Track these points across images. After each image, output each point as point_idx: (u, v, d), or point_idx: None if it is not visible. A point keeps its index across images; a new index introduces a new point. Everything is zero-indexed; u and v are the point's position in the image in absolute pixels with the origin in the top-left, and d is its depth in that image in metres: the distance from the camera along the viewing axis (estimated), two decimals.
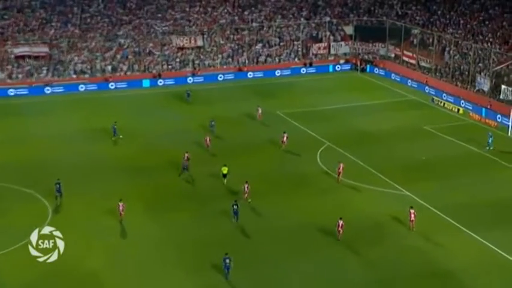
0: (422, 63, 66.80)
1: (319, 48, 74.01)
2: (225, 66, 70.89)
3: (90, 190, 39.75)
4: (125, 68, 68.24)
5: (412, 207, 35.14)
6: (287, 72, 70.99)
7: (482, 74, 58.87)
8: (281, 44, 74.20)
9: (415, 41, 69.14)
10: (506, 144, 48.31)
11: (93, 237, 34.09)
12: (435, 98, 59.94)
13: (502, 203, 37.84)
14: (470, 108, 56.22)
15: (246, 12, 77.06)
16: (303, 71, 71.76)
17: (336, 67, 72.89)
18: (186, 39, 70.64)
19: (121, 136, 48.89)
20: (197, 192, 40.09)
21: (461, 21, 67.85)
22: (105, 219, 35.83)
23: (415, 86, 64.38)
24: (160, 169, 43.03)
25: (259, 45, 73.58)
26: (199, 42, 71.15)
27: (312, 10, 78.31)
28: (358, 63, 72.00)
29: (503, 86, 55.04)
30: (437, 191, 39.51)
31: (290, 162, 44.85)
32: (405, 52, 69.66)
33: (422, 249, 32.90)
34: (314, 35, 75.39)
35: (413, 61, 68.20)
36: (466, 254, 32.52)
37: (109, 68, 67.56)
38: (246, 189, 37.98)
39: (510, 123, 50.70)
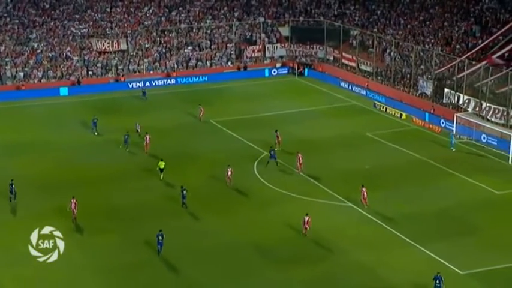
0: (363, 66, 68.17)
1: (254, 51, 74.37)
2: (151, 72, 70.11)
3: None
4: (39, 74, 66.39)
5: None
6: (220, 77, 70.89)
7: (424, 76, 60.62)
8: (212, 46, 74.13)
9: (354, 42, 70.53)
10: (450, 150, 49.79)
11: (3, 265, 32.65)
12: (377, 102, 61.24)
13: (447, 212, 38.85)
14: (413, 112, 57.71)
15: (173, 13, 76.58)
16: (237, 75, 71.83)
17: (272, 71, 73.41)
18: (108, 43, 69.46)
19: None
20: (125, 210, 39.31)
21: (402, 22, 69.74)
22: (18, 244, 34.39)
23: (356, 90, 65.60)
24: (80, 186, 41.91)
25: (189, 48, 73.23)
26: (123, 46, 70.08)
27: (244, 10, 78.68)
28: (296, 67, 72.75)
29: (446, 90, 56.80)
30: (381, 202, 40.17)
31: (225, 174, 44.61)
32: (344, 54, 70.91)
33: (367, 265, 33.28)
34: (248, 36, 75.73)
35: (353, 64, 69.50)
36: (414, 268, 33.11)
37: (21, 74, 65.55)
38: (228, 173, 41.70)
39: (454, 128, 52.31)
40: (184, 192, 39.00)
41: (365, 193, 39.16)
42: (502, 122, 50.65)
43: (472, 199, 40.38)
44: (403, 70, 63.81)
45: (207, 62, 72.65)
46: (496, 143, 49.83)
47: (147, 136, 48.47)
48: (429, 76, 59.99)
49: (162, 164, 43.15)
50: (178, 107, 60.68)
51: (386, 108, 59.83)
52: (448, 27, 64.67)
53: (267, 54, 74.87)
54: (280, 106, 60.71)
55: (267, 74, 73.04)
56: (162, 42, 72.90)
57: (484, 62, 54.08)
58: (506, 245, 35.15)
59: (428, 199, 40.73)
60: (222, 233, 36.64)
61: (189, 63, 72.14)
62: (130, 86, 67.20)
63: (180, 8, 77.37)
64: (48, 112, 59.59)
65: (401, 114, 58.14)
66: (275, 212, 39.21)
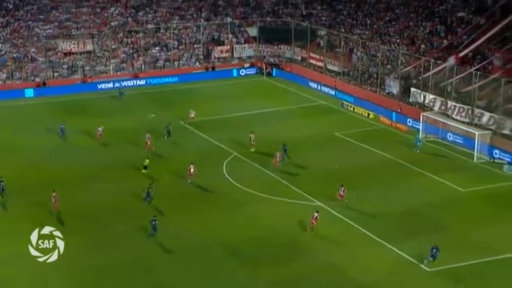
0: (330, 66, 68.72)
1: (222, 52, 74.40)
2: (119, 73, 69.65)
3: None
4: (3, 76, 65.44)
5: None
6: (188, 77, 70.75)
7: (391, 76, 61.38)
8: (180, 47, 73.94)
9: (321, 42, 71.07)
10: (402, 150, 50.37)
11: None
12: (345, 102, 61.81)
13: (415, 210, 39.42)
14: (381, 112, 58.40)
15: (140, 13, 76.18)
16: (205, 76, 71.79)
17: (241, 71, 73.53)
18: (74, 43, 68.79)
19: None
20: (92, 211, 39.06)
21: (368, 22, 70.49)
22: None
23: (324, 90, 66.10)
24: (44, 188, 41.39)
25: (156, 48, 72.93)
26: (89, 47, 69.48)
27: (212, 10, 78.66)
28: (264, 67, 73.01)
29: (412, 89, 57.60)
30: (351, 201, 40.59)
31: (195, 175, 44.60)
32: (312, 54, 71.40)
33: (337, 265, 33.62)
34: (215, 37, 75.73)
35: (320, 64, 70.02)
36: (383, 266, 33.55)
37: None
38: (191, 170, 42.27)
39: (421, 127, 53.10)
40: (150, 190, 39.10)
41: (342, 192, 39.57)
42: (467, 120, 51.58)
43: (439, 197, 41.01)
44: (370, 70, 64.53)
45: (175, 62, 72.43)
46: (461, 142, 50.71)
47: (148, 136, 49.12)
48: (396, 76, 60.79)
49: (146, 162, 44.56)
50: (147, 108, 60.39)
51: (354, 108, 60.43)
52: (413, 27, 65.57)
53: (235, 55, 74.96)
54: (248, 106, 60.86)
55: (235, 74, 73.12)
56: (129, 42, 72.47)
57: (452, 58, 54.75)
58: (472, 242, 35.84)
59: (396, 198, 41.30)
60: (192, 233, 36.63)
61: (157, 64, 71.84)
62: (100, 87, 66.69)
63: (147, 9, 76.99)
64: (13, 114, 58.83)
65: (368, 114, 58.79)
66: (245, 212, 39.36)
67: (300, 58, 73.37)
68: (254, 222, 38.02)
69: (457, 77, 53.77)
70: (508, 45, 55.18)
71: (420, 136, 50.86)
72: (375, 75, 63.25)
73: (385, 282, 32.09)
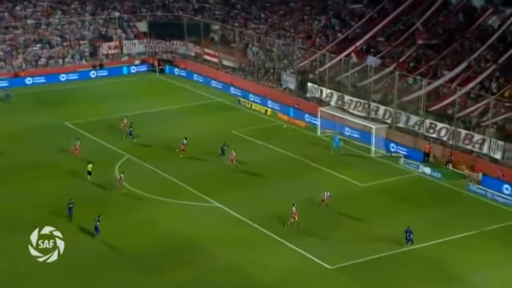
0: (226, 62, 69.15)
1: (110, 48, 73.10)
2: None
3: None
4: None
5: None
6: (74, 76, 69.16)
7: (287, 71, 62.60)
8: (64, 43, 72.01)
9: (215, 37, 71.36)
10: (316, 144, 51.87)
11: None
12: (241, 99, 62.41)
13: (312, 207, 40.41)
14: (278, 108, 59.45)
15: (17, 8, 73.58)
16: (93, 74, 70.35)
17: (131, 68, 72.58)
18: None
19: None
20: None
21: (263, 16, 71.53)
22: None
23: (220, 86, 66.44)
24: None
25: (38, 45, 70.68)
26: None
27: (97, 5, 77.16)
28: (156, 64, 72.39)
29: (309, 84, 59.05)
30: (249, 201, 41.11)
31: (85, 180, 43.67)
32: (206, 50, 71.55)
33: (237, 266, 33.93)
34: (103, 32, 74.33)
35: (215, 60, 70.31)
36: (284, 265, 34.20)
37: None
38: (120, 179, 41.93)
39: (318, 123, 54.50)
40: (70, 206, 37.89)
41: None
42: (364, 114, 53.49)
43: (337, 193, 42.18)
44: (266, 65, 65.50)
45: (59, 60, 70.43)
46: (358, 136, 52.53)
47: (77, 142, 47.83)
48: (292, 71, 62.04)
49: (89, 167, 43.46)
50: (30, 110, 58.41)
51: (251, 105, 61.15)
52: (308, 21, 67.19)
53: (125, 51, 73.89)
54: (141, 105, 60.13)
55: (125, 71, 72.11)
56: (7, 39, 69.75)
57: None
58: (372, 237, 37.18)
59: (295, 195, 42.03)
60: (86, 241, 35.82)
61: (39, 62, 69.59)
62: None
63: (26, 3, 74.43)
64: None
65: (266, 110, 59.67)
66: (140, 216, 38.94)
67: (193, 54, 73.32)
68: (151, 226, 37.70)
69: (353, 70, 55.65)
70: (400, 39, 57.81)
71: (337, 138, 51.29)
72: (272, 70, 64.26)
73: (288, 281, 32.73)
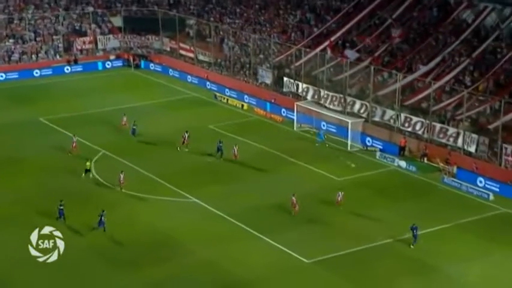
0: (201, 57, 69.01)
1: (84, 43, 72.53)
2: None
3: None
4: None
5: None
6: (48, 71, 68.52)
7: (263, 66, 62.65)
8: (38, 39, 71.28)
9: (191, 32, 71.16)
10: (292, 138, 52.01)
11: None
12: (218, 94, 62.34)
13: (289, 201, 40.45)
14: (255, 103, 59.49)
15: None
16: (67, 69, 69.81)
17: (106, 64, 72.10)
18: None
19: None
20: None
21: (238, 10, 71.45)
22: None
23: (196, 81, 66.28)
24: None
25: (11, 41, 69.86)
26: None
27: None
28: (131, 59, 72.00)
29: (285, 78, 59.18)
30: (227, 196, 41.15)
31: (60, 176, 43.35)
32: (182, 45, 71.33)
33: (215, 261, 33.97)
34: (77, 27, 73.73)
35: (191, 55, 70.12)
36: (261, 260, 34.29)
37: None
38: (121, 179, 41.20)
39: (295, 117, 54.66)
40: (61, 207, 37.20)
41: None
42: (340, 109, 53.76)
43: (314, 187, 42.42)
44: (242, 60, 65.49)
45: (33, 55, 69.71)
46: (335, 130, 52.77)
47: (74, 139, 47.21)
48: (268, 65, 62.11)
49: (88, 165, 43.14)
50: (3, 107, 57.90)
51: (227, 100, 61.10)
52: (283, 16, 67.27)
53: (99, 46, 73.36)
54: (116, 101, 59.82)
55: (100, 67, 71.60)
56: None
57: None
58: (349, 230, 37.46)
59: (272, 190, 42.27)
60: (64, 240, 35.54)
61: (12, 58, 68.83)
62: None
63: None
64: None
65: (242, 105, 59.69)
66: (117, 213, 38.73)
67: (169, 49, 73.03)
68: (129, 222, 37.58)
69: (328, 65, 55.88)
70: (375, 33, 58.16)
71: (322, 132, 51.49)
72: (247, 65, 64.26)
73: (265, 276, 32.84)
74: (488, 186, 42.73)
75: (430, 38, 54.99)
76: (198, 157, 47.40)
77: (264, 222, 37.88)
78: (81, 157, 45.90)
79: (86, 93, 62.80)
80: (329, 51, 57.13)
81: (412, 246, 35.14)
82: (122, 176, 41.47)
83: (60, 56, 71.07)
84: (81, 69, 70.25)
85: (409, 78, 51.41)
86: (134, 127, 50.56)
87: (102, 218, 35.99)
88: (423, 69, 51.94)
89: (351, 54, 56.17)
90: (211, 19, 70.99)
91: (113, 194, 41.36)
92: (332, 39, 58.87)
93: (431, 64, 52.06)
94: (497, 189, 42.39)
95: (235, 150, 46.54)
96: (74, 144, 47.13)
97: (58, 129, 52.51)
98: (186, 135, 48.57)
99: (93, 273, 32.84)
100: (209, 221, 38.36)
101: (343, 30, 60.00)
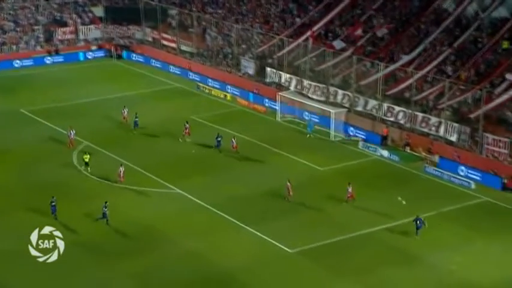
0: (184, 47, 68.67)
1: (65, 33, 71.93)
2: None
3: None
4: None
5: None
6: (29, 62, 68.03)
7: (246, 56, 62.47)
8: (18, 29, 70.51)
9: (173, 22, 70.74)
10: (275, 129, 51.99)
11: None
12: (200, 84, 62.11)
13: (275, 192, 40.51)
14: (238, 93, 59.35)
15: None
16: (48, 60, 69.21)
17: (88, 54, 71.60)
18: None
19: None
20: None
21: (220, 0, 71.07)
22: None
23: (178, 72, 65.99)
24: None
25: None
26: None
27: None
28: (113, 49, 71.50)
29: (268, 69, 59.07)
30: (210, 186, 41.09)
31: (42, 168, 43.03)
32: (164, 35, 70.95)
33: (199, 252, 33.94)
34: (57, 18, 73.07)
35: (173, 45, 69.75)
36: (245, 250, 34.34)
37: None
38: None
39: (278, 108, 54.59)
40: (53, 204, 36.48)
41: (350, 190, 38.65)
42: (323, 99, 53.79)
43: (298, 177, 42.41)
44: (225, 50, 65.24)
45: (13, 46, 68.98)
46: (318, 120, 52.80)
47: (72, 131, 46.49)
48: (251, 55, 61.93)
49: (86, 158, 42.53)
50: None
51: (210, 90, 60.89)
52: (265, 6, 67.04)
53: (81, 37, 72.78)
54: (98, 91, 59.45)
55: (81, 57, 71.13)
56: None
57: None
58: (331, 220, 37.59)
59: (256, 180, 42.28)
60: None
61: None
62: None
63: None
64: None
65: (225, 95, 59.52)
66: (100, 204, 38.46)
67: (151, 39, 72.59)
68: (112, 213, 37.29)
69: (311, 55, 55.84)
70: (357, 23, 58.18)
71: (312, 123, 51.42)
72: (230, 55, 64.04)
73: (248, 266, 32.86)
74: (470, 175, 43.04)
75: (411, 27, 55.10)
76: (182, 148, 47.22)
77: (247, 213, 37.89)
78: (66, 149, 45.65)
79: (68, 84, 62.36)
80: (310, 42, 57.03)
81: (417, 237, 35.05)
82: (121, 169, 41.00)
83: (41, 47, 70.43)
84: (62, 59, 69.72)
85: (391, 67, 51.52)
86: (136, 119, 50.07)
87: (105, 209, 35.81)
88: (405, 58, 52.09)
89: (337, 44, 56.09)
90: (194, 9, 70.60)
91: (95, 185, 41.10)
92: (314, 29, 58.79)
93: (413, 54, 52.22)
94: (479, 178, 42.70)
95: (234, 142, 46.23)
96: (72, 137, 46.50)
97: (39, 120, 52.08)
98: (187, 125, 48.23)
99: (77, 264, 32.63)
100: (193, 211, 38.30)
101: (325, 20, 59.95)
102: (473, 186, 41.98)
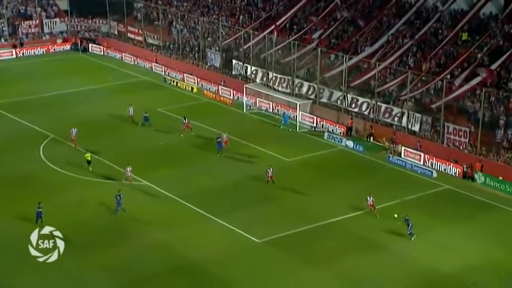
0: (150, 40, 68.30)
1: (30, 27, 70.93)
2: None
3: None
4: None
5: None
6: None
7: (212, 49, 62.39)
8: None
9: (139, 15, 70.27)
10: (242, 121, 52.02)
11: None
12: (167, 77, 61.88)
13: (242, 182, 40.77)
14: (204, 86, 59.27)
15: None
16: (13, 54, 68.15)
17: (53, 48, 70.67)
18: None
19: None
20: None
21: None
22: None
23: (145, 65, 65.62)
24: None
25: None
26: None
27: None
28: (79, 43, 70.78)
29: (234, 61, 59.10)
30: (178, 178, 41.10)
31: (8, 162, 42.55)
32: (130, 28, 70.45)
33: (167, 244, 33.96)
34: (22, 11, 71.99)
35: (140, 38, 69.33)
36: (214, 241, 34.48)
37: None
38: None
39: (244, 100, 54.71)
40: (40, 209, 35.43)
41: (371, 201, 37.26)
42: (288, 91, 54.06)
43: (264, 168, 42.62)
44: (191, 43, 65.06)
45: None
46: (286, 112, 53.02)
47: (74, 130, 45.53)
48: (217, 48, 61.90)
49: (88, 156, 42.00)
50: None
51: (177, 83, 60.73)
52: None
53: (46, 30, 71.86)
54: (64, 85, 58.87)
55: (47, 51, 70.10)
56: None
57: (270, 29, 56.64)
58: (298, 210, 37.92)
59: (222, 172, 42.38)
60: (10, 226, 35.00)
61: None
62: None
63: None
64: None
65: (192, 88, 59.43)
66: (68, 198, 38.34)
67: (117, 32, 72.01)
68: (78, 207, 37.19)
69: (276, 47, 56.02)
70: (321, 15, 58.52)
71: (287, 115, 51.37)
72: (196, 48, 63.90)
73: (217, 257, 33.01)
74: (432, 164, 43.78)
75: (374, 20, 55.61)
76: (150, 141, 47.06)
77: (215, 204, 38.01)
78: (32, 142, 45.20)
79: (33, 77, 61.66)
80: (275, 35, 57.16)
81: (412, 239, 34.66)
82: (129, 169, 40.30)
83: (6, 40, 69.36)
84: (27, 53, 68.64)
85: (355, 59, 51.99)
86: (146, 114, 49.59)
87: (119, 198, 35.85)
88: (368, 50, 52.59)
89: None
90: (159, 2, 70.18)
91: (63, 178, 40.81)
92: (278, 23, 58.94)
93: (376, 45, 52.74)
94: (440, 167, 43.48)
95: (225, 137, 45.86)
96: (74, 135, 45.66)
97: (5, 114, 51.38)
98: (185, 121, 48.10)
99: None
100: (161, 204, 38.30)
101: (290, 12, 60.13)
102: (435, 174, 42.72)
